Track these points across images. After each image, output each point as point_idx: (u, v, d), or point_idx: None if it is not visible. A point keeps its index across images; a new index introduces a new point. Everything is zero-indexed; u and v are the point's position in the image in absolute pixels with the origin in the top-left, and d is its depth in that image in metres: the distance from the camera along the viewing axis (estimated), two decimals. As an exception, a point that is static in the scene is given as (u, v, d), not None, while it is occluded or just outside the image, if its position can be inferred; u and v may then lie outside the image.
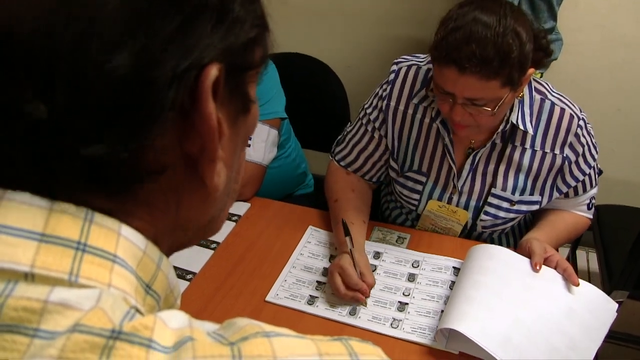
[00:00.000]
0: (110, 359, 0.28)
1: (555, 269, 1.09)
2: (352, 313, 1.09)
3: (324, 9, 2.28)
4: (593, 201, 1.30)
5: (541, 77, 1.77)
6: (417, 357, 1.01)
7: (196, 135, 0.35)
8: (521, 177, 1.20)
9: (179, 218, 0.39)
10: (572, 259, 2.11)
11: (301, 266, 1.20)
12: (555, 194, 1.23)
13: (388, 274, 1.18)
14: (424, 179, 1.27)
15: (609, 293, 1.64)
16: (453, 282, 1.14)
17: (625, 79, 2.07)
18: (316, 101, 1.77)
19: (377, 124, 1.27)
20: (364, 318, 1.08)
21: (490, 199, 1.23)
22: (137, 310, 0.32)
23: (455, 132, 1.16)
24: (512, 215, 1.24)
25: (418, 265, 1.20)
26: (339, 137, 1.38)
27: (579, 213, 1.29)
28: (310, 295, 1.13)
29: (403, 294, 1.13)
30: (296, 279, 1.17)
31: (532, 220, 1.38)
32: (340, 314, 1.09)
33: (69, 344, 0.28)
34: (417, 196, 1.29)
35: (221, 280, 1.18)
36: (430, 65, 1.19)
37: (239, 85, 0.38)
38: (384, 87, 1.26)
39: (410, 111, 1.23)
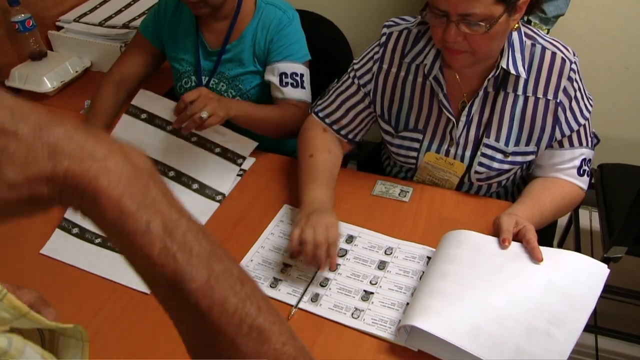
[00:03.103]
0: None
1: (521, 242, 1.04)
2: (314, 300, 1.05)
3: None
4: (585, 168, 1.23)
5: (547, 33, 1.76)
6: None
7: None
8: (515, 127, 1.21)
9: None
10: (574, 217, 2.14)
11: (270, 246, 1.17)
12: (549, 143, 1.21)
13: (358, 260, 1.13)
14: (420, 136, 1.28)
15: (608, 249, 1.66)
16: (424, 273, 1.08)
17: (634, 35, 2.04)
18: (322, 59, 1.76)
19: (362, 82, 1.29)
20: (325, 306, 1.03)
21: (484, 149, 1.24)
22: None
23: (450, 63, 1.15)
24: (506, 167, 1.25)
25: (391, 252, 1.14)
26: (322, 93, 1.38)
27: (568, 179, 1.23)
28: (274, 278, 1.10)
29: (370, 282, 1.08)
30: (263, 259, 1.14)
31: (527, 178, 1.36)
32: (302, 301, 1.05)
33: None
34: (414, 154, 1.30)
35: (228, 232, 1.21)
36: (420, 27, 1.22)
37: None
38: (376, 49, 1.27)
39: (402, 73, 1.25)
